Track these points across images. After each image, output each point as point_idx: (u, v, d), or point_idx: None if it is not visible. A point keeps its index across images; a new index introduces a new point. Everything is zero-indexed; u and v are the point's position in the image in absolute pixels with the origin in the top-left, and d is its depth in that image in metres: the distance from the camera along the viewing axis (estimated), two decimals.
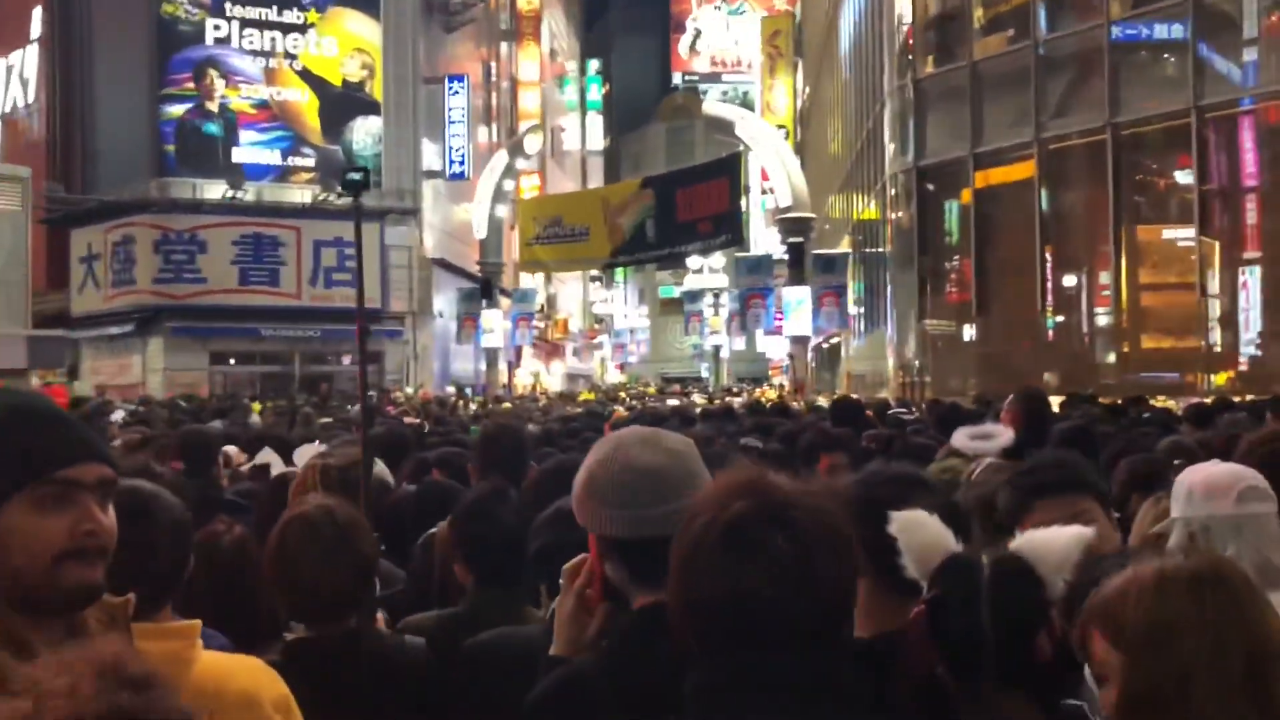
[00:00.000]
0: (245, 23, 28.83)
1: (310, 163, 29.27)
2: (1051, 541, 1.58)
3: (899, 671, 1.60)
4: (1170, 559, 1.44)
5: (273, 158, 29.09)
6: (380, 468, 4.13)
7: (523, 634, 2.37)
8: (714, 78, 68.67)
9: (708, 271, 56.63)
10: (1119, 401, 9.82)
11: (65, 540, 1.39)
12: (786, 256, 23.78)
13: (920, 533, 1.60)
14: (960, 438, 4.46)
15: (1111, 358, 16.37)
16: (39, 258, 29.39)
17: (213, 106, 28.70)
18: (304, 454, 4.82)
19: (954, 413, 6.03)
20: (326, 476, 3.61)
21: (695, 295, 46.37)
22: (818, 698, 1.34)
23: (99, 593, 1.45)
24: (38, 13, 31.30)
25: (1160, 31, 15.34)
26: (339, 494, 3.38)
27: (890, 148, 20.45)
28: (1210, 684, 1.35)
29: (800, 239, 23.47)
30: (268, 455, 5.01)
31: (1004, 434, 4.56)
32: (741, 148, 24.60)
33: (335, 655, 2.33)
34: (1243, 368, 14.14)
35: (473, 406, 18.63)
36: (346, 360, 29.62)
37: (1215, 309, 14.31)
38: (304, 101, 29.40)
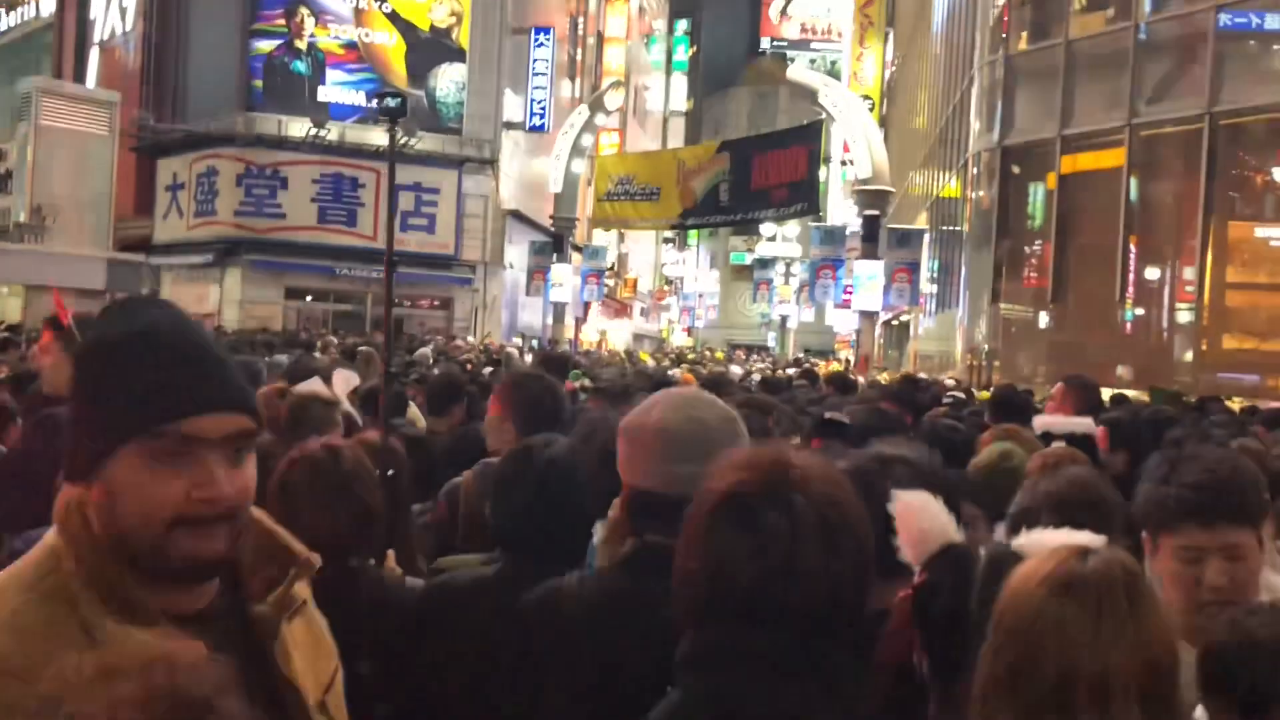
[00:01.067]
0: None
1: (394, 106, 29.41)
2: (1052, 540, 1.53)
3: (877, 655, 1.58)
4: (1074, 561, 1.39)
5: (357, 99, 29.32)
6: (347, 408, 4.02)
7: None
8: (803, 44, 67.64)
9: (781, 240, 56.21)
10: (1193, 399, 9.55)
11: (179, 505, 1.20)
12: (861, 229, 23.42)
13: (921, 516, 1.58)
14: (1040, 420, 4.37)
15: (1189, 355, 15.92)
16: (127, 184, 30.10)
17: (301, 45, 28.99)
18: (341, 381, 4.72)
19: (1014, 398, 5.88)
20: (271, 405, 3.54)
21: (766, 263, 46.05)
22: (796, 679, 1.32)
23: (217, 566, 1.26)
24: None
25: (1271, 21, 14.75)
26: (288, 424, 3.47)
27: (976, 125, 20.00)
28: (1022, 697, 1.33)
29: (876, 212, 23.11)
30: (315, 385, 4.86)
31: (1084, 421, 4.43)
32: (824, 116, 24.23)
33: (329, 595, 2.30)
34: None
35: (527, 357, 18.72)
36: (423, 304, 29.96)
37: None
38: (391, 45, 29.55)
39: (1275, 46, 15.05)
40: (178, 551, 1.21)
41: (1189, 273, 15.72)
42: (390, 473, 2.97)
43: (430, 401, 5.27)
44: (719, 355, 33.89)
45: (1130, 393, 12.56)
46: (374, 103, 29.21)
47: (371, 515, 2.42)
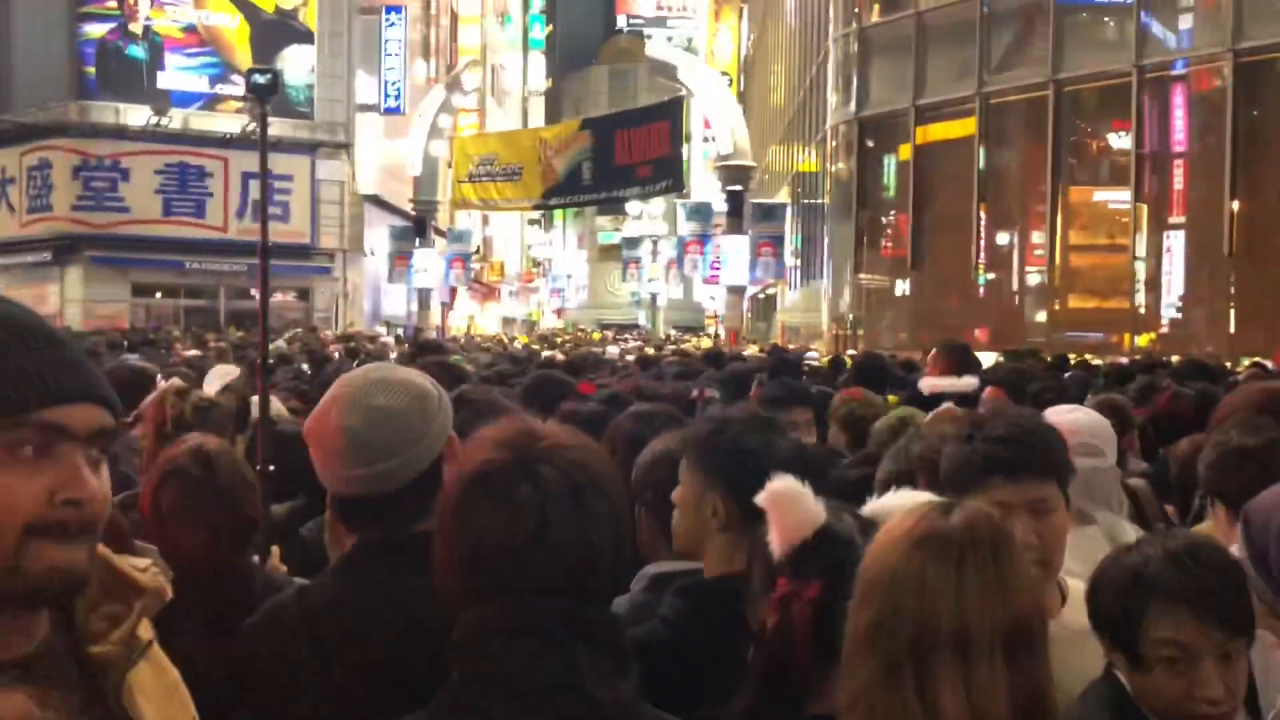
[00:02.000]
0: None
1: (239, 91, 28.16)
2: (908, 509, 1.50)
3: (760, 650, 1.57)
4: (937, 517, 1.40)
5: (200, 84, 28.01)
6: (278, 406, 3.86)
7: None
8: (659, 22, 67.77)
9: (647, 218, 56.41)
10: (1049, 358, 9.87)
11: (39, 507, 1.02)
12: (725, 205, 23.58)
13: (793, 506, 1.56)
14: (924, 383, 4.37)
15: (1041, 316, 16.54)
16: None
17: (136, 28, 27.49)
18: (217, 376, 4.45)
19: (875, 363, 5.92)
20: (182, 404, 3.36)
21: (634, 242, 46.17)
22: (563, 646, 1.33)
23: (80, 582, 1.08)
24: None
25: None
26: (196, 426, 3.23)
27: (833, 98, 20.29)
28: (883, 652, 1.34)
29: (740, 188, 23.29)
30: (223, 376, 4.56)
31: (968, 380, 4.45)
32: (684, 93, 24.25)
33: (228, 596, 2.18)
34: (1164, 330, 14.37)
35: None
36: (279, 296, 28.93)
37: (1140, 271, 14.48)
38: (234, 27, 28.28)
39: (1108, 18, 15.66)
40: (36, 565, 1.02)
41: (1036, 237, 16.31)
42: (270, 467, 2.91)
43: (319, 395, 5.00)
44: (596, 336, 33.76)
45: (986, 355, 12.94)
46: (217, 88, 28.07)
47: (253, 524, 2.30)
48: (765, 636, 1.55)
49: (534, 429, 1.42)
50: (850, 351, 14.40)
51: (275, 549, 2.56)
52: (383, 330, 28.79)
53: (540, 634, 1.33)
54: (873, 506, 1.64)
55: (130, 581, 1.17)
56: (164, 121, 26.57)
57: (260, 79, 3.60)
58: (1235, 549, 1.89)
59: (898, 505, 1.56)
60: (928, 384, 4.20)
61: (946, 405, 3.65)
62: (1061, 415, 2.86)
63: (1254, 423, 2.57)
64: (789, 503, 1.56)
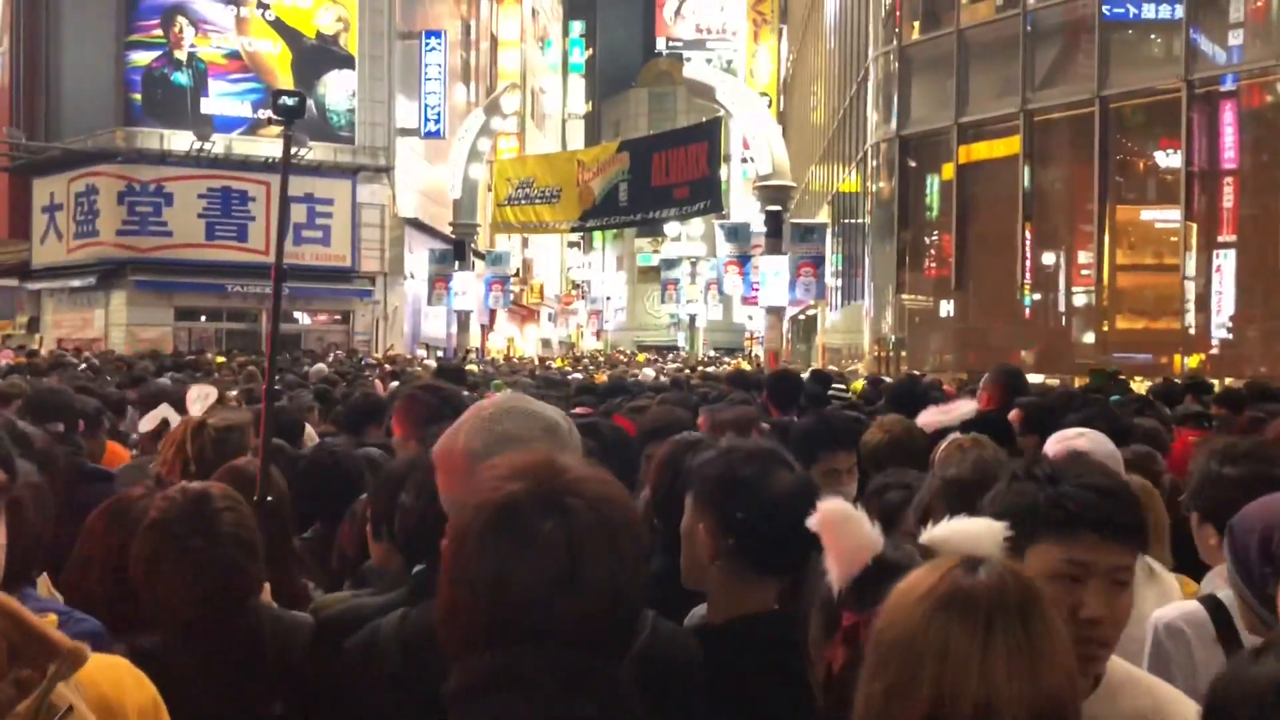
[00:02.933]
0: None
1: (292, 105, 28.48)
2: (975, 535, 1.40)
3: (829, 693, 1.46)
4: (961, 574, 1.26)
5: (243, 110, 28.33)
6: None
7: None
8: (698, 44, 67.88)
9: (685, 239, 56.32)
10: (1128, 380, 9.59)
11: None
12: (765, 226, 23.38)
13: (848, 530, 1.47)
14: (925, 417, 4.18)
15: (1088, 337, 16.19)
16: (0, 207, 28.70)
17: (181, 55, 27.89)
18: (198, 399, 4.33)
19: (913, 388, 5.72)
20: (199, 438, 3.29)
21: (672, 263, 46.00)
22: (577, 700, 1.25)
23: None
24: None
25: (1151, 8, 15.05)
26: (212, 457, 3.24)
27: (873, 117, 20.08)
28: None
29: (779, 208, 23.06)
30: (165, 412, 4.40)
31: (963, 405, 4.28)
32: (722, 114, 24.13)
33: (227, 637, 2.14)
34: (1214, 351, 14.00)
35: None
36: (321, 318, 29.13)
37: (1190, 291, 14.12)
38: (276, 53, 28.62)
39: (1154, 34, 15.36)
40: None
41: (1083, 256, 15.99)
42: (270, 499, 2.78)
43: (347, 421, 5.09)
44: (641, 358, 33.51)
45: (1037, 377, 12.64)
46: (260, 113, 28.31)
47: (244, 574, 2.18)
48: (833, 678, 1.43)
49: (554, 460, 1.34)
50: (886, 376, 14.12)
51: (266, 585, 2.42)
52: (423, 353, 28.85)
53: (555, 686, 1.24)
54: (932, 534, 1.46)
55: (45, 642, 1.04)
56: (207, 147, 26.88)
57: (288, 101, 3.52)
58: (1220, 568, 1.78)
59: (959, 534, 1.42)
60: (925, 420, 3.98)
61: (956, 435, 3.47)
62: (1068, 441, 2.89)
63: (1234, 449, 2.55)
64: (843, 526, 1.47)
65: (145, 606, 2.15)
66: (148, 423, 4.32)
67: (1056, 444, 2.94)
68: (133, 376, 9.77)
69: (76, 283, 27.34)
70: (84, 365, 13.21)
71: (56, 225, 28.07)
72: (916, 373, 11.90)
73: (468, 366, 18.80)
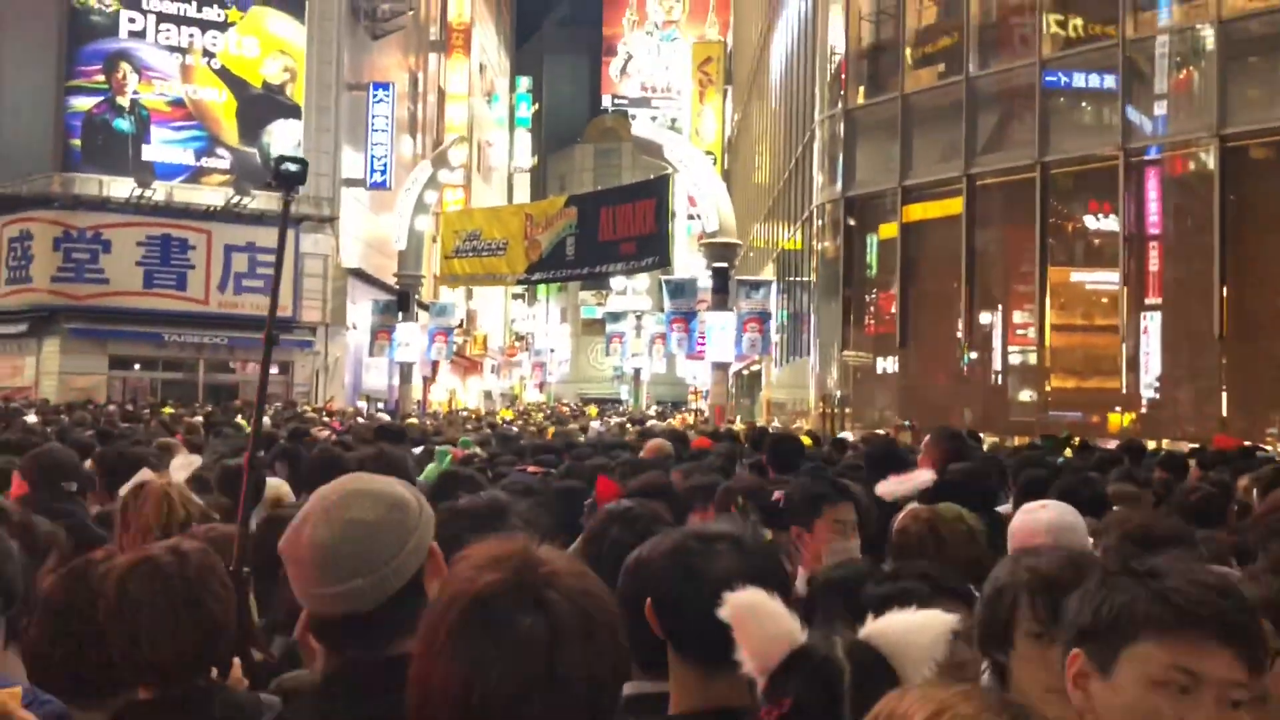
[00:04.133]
0: (162, 17, 27.79)
1: (225, 164, 28.27)
2: (915, 631, 1.36)
3: None
4: (961, 696, 1.10)
5: (185, 157, 28.02)
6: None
7: None
8: (643, 102, 68.62)
9: (631, 293, 56.56)
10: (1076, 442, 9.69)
11: None
12: (711, 281, 23.55)
13: (760, 621, 1.40)
14: (884, 486, 4.17)
15: (1026, 395, 16.46)
16: None
17: (124, 102, 27.55)
18: (181, 467, 4.32)
19: (892, 452, 5.72)
20: (169, 502, 3.26)
21: (617, 316, 46.07)
22: None
23: None
24: None
25: (1089, 79, 15.54)
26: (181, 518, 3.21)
27: (819, 178, 20.39)
28: None
29: (725, 264, 23.28)
30: (145, 476, 4.37)
31: (921, 475, 4.29)
32: (670, 171, 24.38)
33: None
34: (1144, 411, 14.30)
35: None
36: (252, 368, 28.65)
37: (1122, 352, 14.44)
38: (221, 101, 28.41)
39: (1088, 103, 15.85)
40: None
41: (1024, 317, 16.29)
42: (246, 570, 2.72)
43: (310, 478, 4.87)
44: (592, 411, 33.22)
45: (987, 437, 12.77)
46: (203, 161, 28.03)
47: (221, 629, 2.14)
48: None
49: (530, 549, 1.29)
50: (847, 434, 14.20)
51: (236, 661, 2.36)
52: (364, 404, 28.48)
53: None
54: (871, 628, 1.41)
55: None
56: (148, 194, 26.50)
57: (291, 166, 3.48)
58: None
59: (901, 627, 1.37)
60: (884, 490, 3.99)
61: (914, 505, 3.48)
62: (1031, 514, 2.84)
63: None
64: (755, 617, 1.39)
65: (115, 668, 2.09)
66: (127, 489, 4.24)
67: (1022, 515, 2.90)
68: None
69: (8, 329, 26.65)
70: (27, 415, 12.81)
71: None
72: (884, 431, 11.94)
73: (408, 421, 18.61)
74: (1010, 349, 16.67)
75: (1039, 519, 2.83)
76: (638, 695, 1.96)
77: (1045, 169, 15.06)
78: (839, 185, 19.15)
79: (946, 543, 3.12)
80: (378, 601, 1.59)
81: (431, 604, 1.30)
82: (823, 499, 3.26)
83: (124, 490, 4.47)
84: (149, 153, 27.55)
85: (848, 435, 12.35)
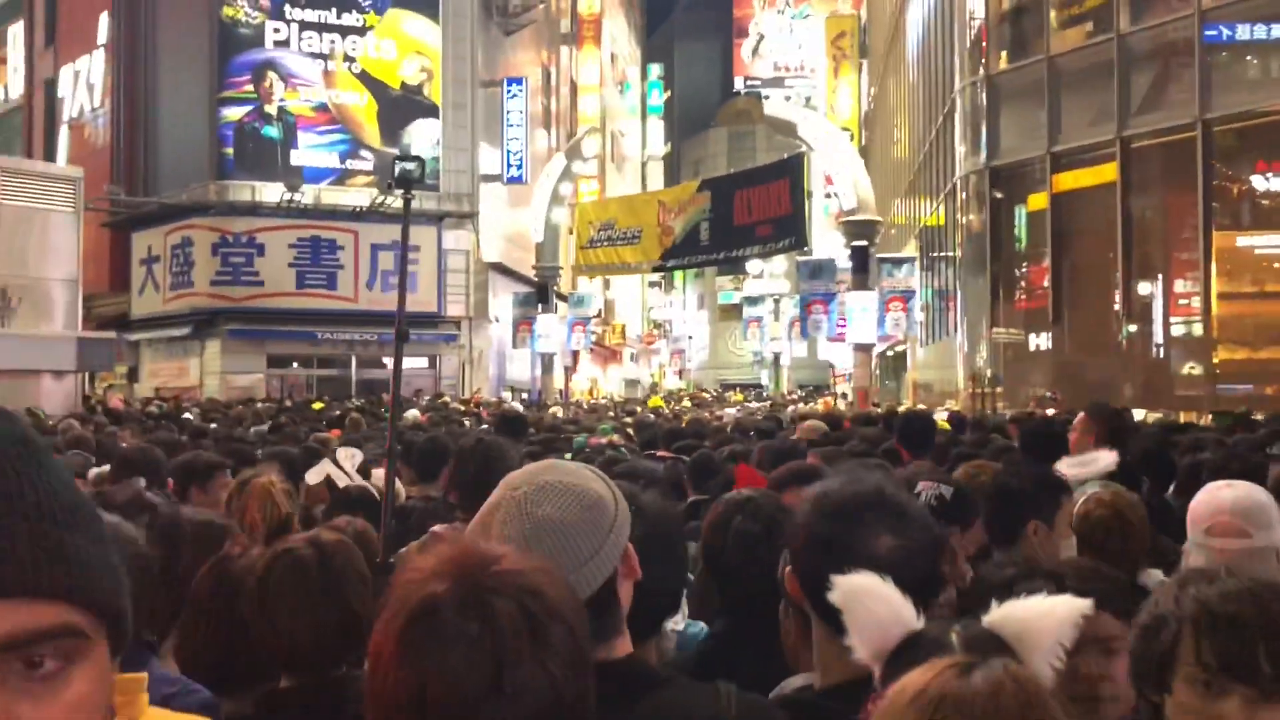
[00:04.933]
0: (304, 25, 28.78)
1: (368, 166, 29.13)
2: (1039, 618, 1.27)
3: None
4: (958, 676, 1.11)
5: (331, 160, 28.98)
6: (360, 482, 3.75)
7: None
8: (777, 82, 67.85)
9: (768, 277, 56.01)
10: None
11: None
12: (850, 261, 23.01)
13: (869, 607, 1.34)
14: (1066, 468, 3.87)
15: (1190, 369, 15.53)
16: (101, 261, 29.66)
17: (271, 109, 28.66)
18: (347, 459, 4.46)
19: (1049, 430, 5.38)
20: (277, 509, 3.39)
21: (755, 300, 45.76)
22: None
23: None
24: (104, 18, 31.63)
25: (1254, 29, 14.51)
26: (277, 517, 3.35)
27: (961, 149, 19.67)
28: None
29: (865, 243, 22.70)
30: (328, 468, 4.52)
31: (1105, 457, 3.96)
32: (804, 150, 23.91)
33: (314, 708, 2.08)
34: None
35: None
36: (405, 364, 29.37)
37: None
38: (362, 104, 29.27)
39: (1253, 56, 14.80)
40: None
41: (1185, 286, 15.38)
42: (392, 560, 2.81)
43: (418, 467, 5.08)
44: (738, 396, 32.73)
45: (1139, 412, 12.08)
46: (347, 163, 28.94)
47: (358, 620, 2.15)
48: None
49: (481, 552, 1.22)
50: (988, 411, 13.64)
51: None
52: (508, 395, 28.96)
53: None
54: (995, 613, 1.32)
55: None
56: (297, 197, 27.48)
57: (409, 166, 3.52)
58: None
59: (1026, 613, 1.28)
60: (1067, 472, 3.65)
61: (1095, 490, 3.23)
62: (1215, 492, 2.73)
63: None
64: (866, 601, 1.33)
65: (258, 658, 2.17)
66: (314, 476, 4.45)
67: (1205, 493, 2.75)
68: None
69: (174, 332, 28.08)
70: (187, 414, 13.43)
71: (154, 277, 28.92)
72: (1051, 411, 11.38)
73: (551, 410, 18.77)
74: (1172, 320, 15.75)
75: (1223, 497, 2.69)
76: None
77: (1207, 127, 14.12)
78: (983, 155, 18.41)
79: (1133, 528, 3.01)
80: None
81: (382, 612, 1.23)
82: (1063, 491, 3.03)
83: (310, 479, 4.63)
84: (296, 157, 28.58)
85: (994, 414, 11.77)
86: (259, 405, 16.63)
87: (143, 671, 1.75)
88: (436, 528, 3.12)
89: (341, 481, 4.27)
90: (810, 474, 3.16)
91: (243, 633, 2.18)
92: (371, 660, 1.20)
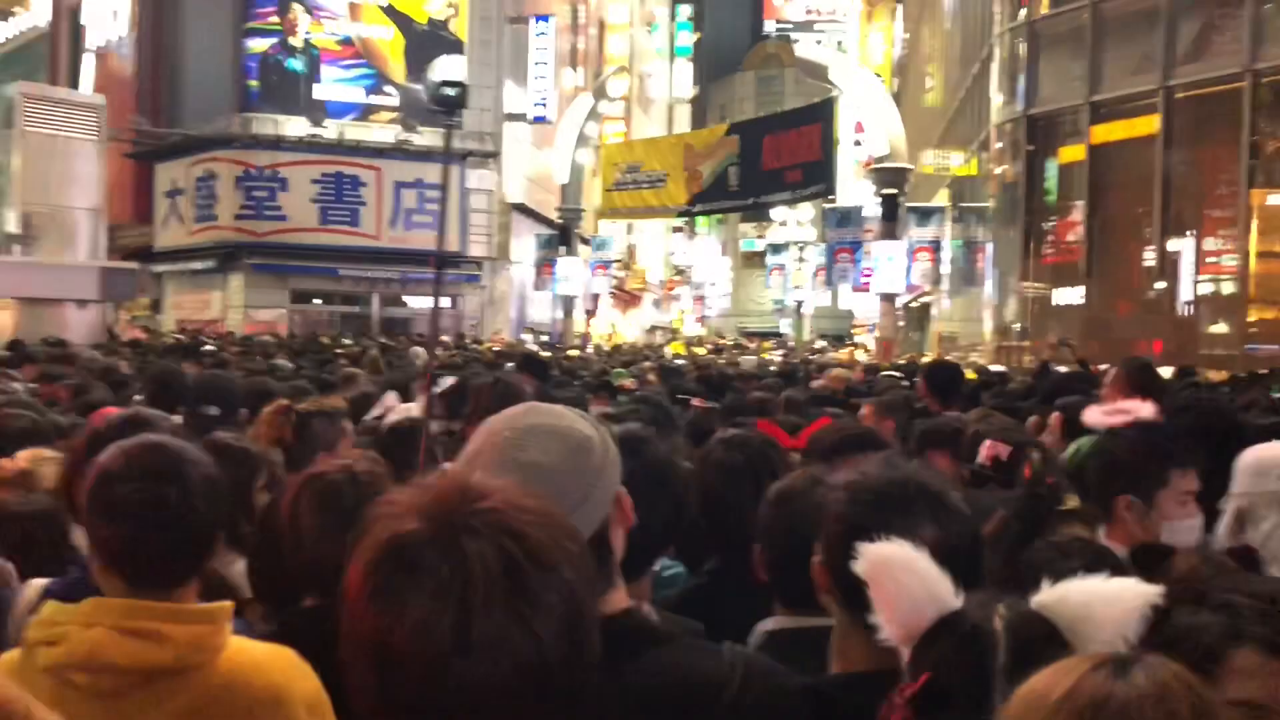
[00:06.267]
0: None
1: (393, 102, 28.82)
2: (1103, 604, 1.13)
3: None
4: (1111, 677, 0.95)
5: (355, 95, 28.68)
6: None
7: None
8: (807, 26, 66.76)
9: (793, 224, 55.53)
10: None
11: None
12: (880, 210, 22.68)
13: (901, 580, 1.21)
14: (1094, 414, 3.71)
15: (1220, 328, 15.29)
16: (125, 191, 29.56)
17: (296, 42, 28.33)
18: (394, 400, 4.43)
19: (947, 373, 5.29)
20: (285, 422, 3.48)
21: (779, 248, 45.40)
22: None
23: None
24: None
25: None
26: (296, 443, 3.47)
27: (997, 97, 19.27)
28: None
29: (895, 191, 22.34)
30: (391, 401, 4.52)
31: (1143, 408, 3.79)
32: (835, 94, 23.48)
33: (333, 625, 2.02)
34: None
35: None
36: (421, 302, 29.37)
37: None
38: (388, 39, 28.89)
39: None
40: None
41: (1214, 243, 15.10)
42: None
43: (446, 403, 4.97)
44: (765, 346, 32.27)
45: (1167, 370, 11.87)
46: (371, 98, 28.64)
47: None
48: None
49: (466, 487, 1.10)
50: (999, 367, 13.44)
51: None
52: (528, 337, 28.90)
53: None
54: (1046, 595, 1.19)
55: None
56: (320, 132, 27.25)
57: (449, 90, 3.43)
58: None
59: (1084, 597, 1.15)
60: (1092, 420, 3.45)
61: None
62: (1271, 450, 2.68)
63: None
64: (898, 575, 1.21)
65: (290, 578, 2.20)
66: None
67: (1258, 451, 2.69)
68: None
69: (197, 265, 28.05)
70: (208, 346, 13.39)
71: (178, 209, 28.83)
72: (1066, 363, 11.19)
73: (570, 352, 18.68)
74: (1202, 278, 15.47)
75: (1276, 454, 2.63)
76: (780, 630, 1.88)
77: (1256, 78, 13.72)
78: (1020, 104, 18.04)
79: None
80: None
81: (356, 556, 1.12)
82: (1171, 462, 2.62)
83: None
84: (320, 91, 28.30)
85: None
86: (266, 338, 16.53)
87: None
88: (447, 464, 3.06)
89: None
90: (867, 440, 2.92)
91: (275, 554, 2.23)
92: (344, 593, 1.09)
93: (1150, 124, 15.32)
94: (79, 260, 16.71)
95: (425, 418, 3.54)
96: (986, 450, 2.95)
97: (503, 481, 1.15)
